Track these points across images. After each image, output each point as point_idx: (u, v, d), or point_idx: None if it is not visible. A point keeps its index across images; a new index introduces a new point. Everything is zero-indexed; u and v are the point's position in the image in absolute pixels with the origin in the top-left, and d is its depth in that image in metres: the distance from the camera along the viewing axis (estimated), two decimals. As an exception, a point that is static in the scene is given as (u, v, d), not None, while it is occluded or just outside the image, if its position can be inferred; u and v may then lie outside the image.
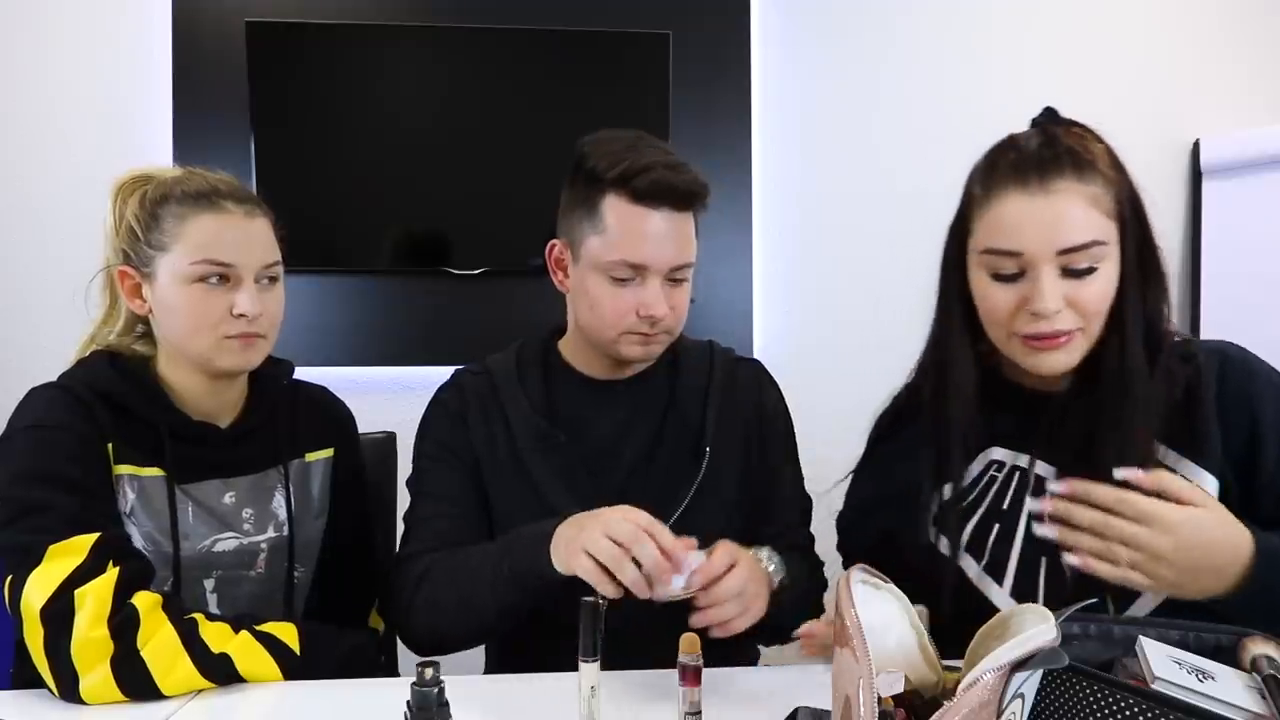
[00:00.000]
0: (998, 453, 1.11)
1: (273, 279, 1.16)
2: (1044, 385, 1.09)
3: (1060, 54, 2.60)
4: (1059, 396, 1.07)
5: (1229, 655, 0.81)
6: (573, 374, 1.27)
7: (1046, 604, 0.89)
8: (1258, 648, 0.80)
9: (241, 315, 1.10)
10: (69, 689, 0.96)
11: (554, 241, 1.23)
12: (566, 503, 1.14)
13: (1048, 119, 1.06)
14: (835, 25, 2.56)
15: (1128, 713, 0.69)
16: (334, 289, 2.39)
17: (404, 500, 1.51)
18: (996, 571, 1.08)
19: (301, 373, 1.31)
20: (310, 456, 1.26)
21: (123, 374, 1.12)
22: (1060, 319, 0.97)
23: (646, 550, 0.93)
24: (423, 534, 1.21)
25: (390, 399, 2.39)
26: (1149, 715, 0.68)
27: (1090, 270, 0.97)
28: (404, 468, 1.51)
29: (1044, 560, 1.05)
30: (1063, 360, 1.01)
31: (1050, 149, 0.99)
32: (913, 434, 1.14)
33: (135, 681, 0.97)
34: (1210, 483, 1.00)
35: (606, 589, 0.93)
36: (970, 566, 1.09)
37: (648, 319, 1.15)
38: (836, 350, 2.56)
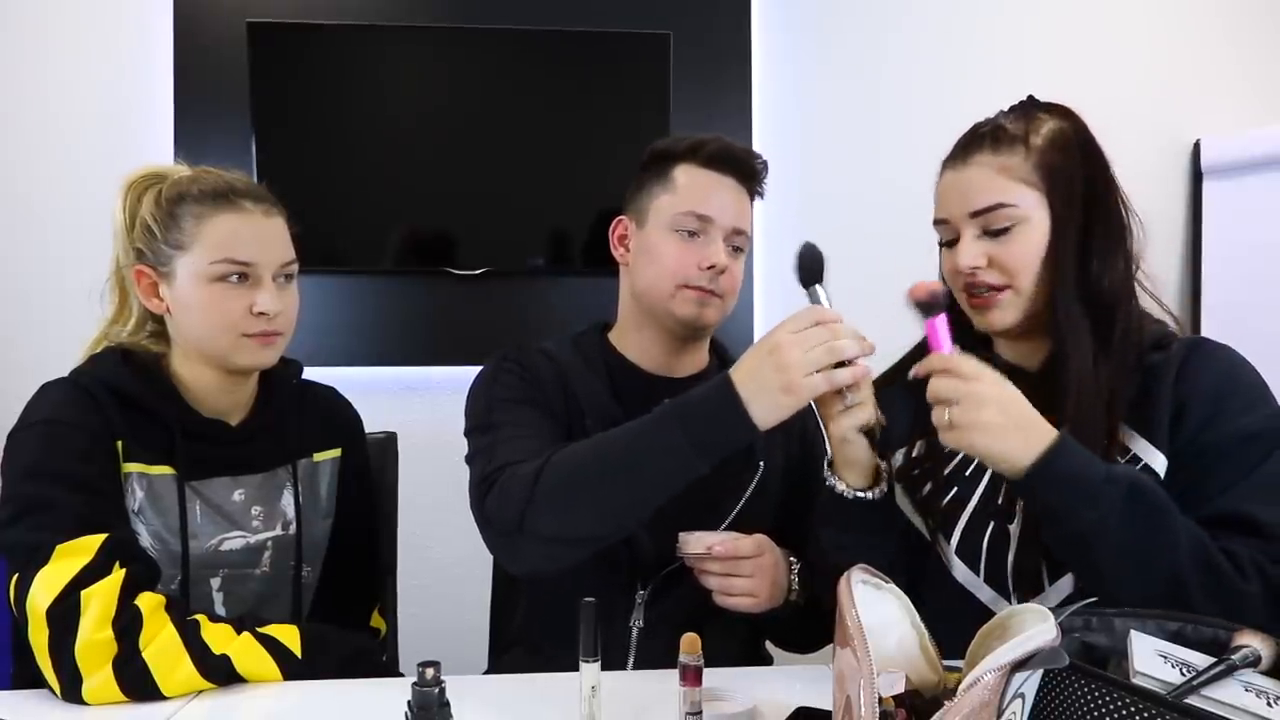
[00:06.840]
0: None
1: (289, 277, 1.17)
2: (1020, 361, 1.13)
3: (1061, 54, 2.59)
4: (1032, 373, 1.10)
5: (1224, 649, 0.82)
6: (629, 367, 1.28)
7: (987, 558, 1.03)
8: (1244, 639, 0.81)
9: (262, 314, 1.11)
10: (72, 690, 0.96)
11: (619, 219, 1.31)
12: None
13: (1025, 103, 1.15)
14: (835, 25, 2.56)
15: (1125, 712, 0.69)
16: (334, 289, 2.39)
17: (405, 501, 1.52)
18: (946, 527, 1.12)
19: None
20: (318, 457, 1.26)
21: (135, 371, 1.12)
22: (985, 275, 1.06)
23: (841, 342, 0.97)
24: (506, 452, 1.10)
25: (391, 399, 2.39)
26: (1148, 715, 0.68)
27: (1008, 229, 1.06)
28: (404, 468, 1.51)
29: (990, 522, 1.09)
30: (998, 317, 1.08)
31: (978, 131, 1.13)
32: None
33: (137, 683, 0.97)
34: (1160, 461, 1.02)
35: (851, 382, 0.97)
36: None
37: (709, 271, 1.21)
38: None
